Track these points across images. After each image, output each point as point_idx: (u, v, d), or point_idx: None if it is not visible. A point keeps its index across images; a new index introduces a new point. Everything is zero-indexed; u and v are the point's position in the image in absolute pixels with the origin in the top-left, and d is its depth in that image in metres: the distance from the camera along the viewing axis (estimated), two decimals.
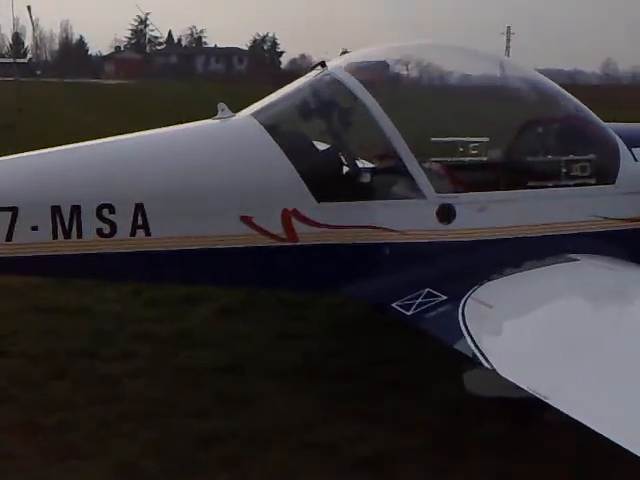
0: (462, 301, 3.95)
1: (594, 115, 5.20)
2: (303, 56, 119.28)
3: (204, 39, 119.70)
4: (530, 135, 5.11)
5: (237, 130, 4.88)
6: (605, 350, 3.39)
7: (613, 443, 2.67)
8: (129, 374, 5.16)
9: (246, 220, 4.48)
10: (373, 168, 4.94)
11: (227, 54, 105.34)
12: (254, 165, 4.61)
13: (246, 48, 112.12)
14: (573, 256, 4.48)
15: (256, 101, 5.21)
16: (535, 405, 3.47)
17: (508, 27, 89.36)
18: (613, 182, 4.97)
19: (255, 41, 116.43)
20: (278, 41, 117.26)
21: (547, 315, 3.94)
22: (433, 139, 5.07)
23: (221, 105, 4.94)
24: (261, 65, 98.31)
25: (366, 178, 4.75)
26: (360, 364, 5.35)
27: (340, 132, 5.05)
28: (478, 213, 4.65)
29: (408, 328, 4.27)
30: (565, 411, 2.88)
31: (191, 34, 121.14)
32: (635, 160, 5.08)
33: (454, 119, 5.59)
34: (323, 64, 5.09)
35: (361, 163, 5.00)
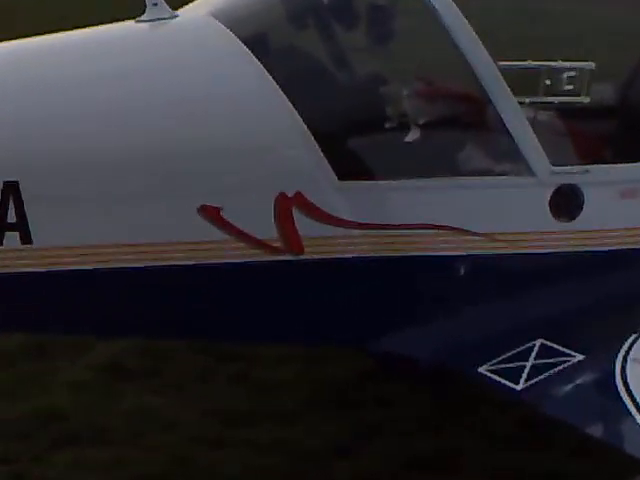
0: (618, 366, 2.51)
1: None
2: None
3: None
4: None
5: (191, 44, 2.81)
6: None
7: None
8: None
9: (209, 213, 2.54)
10: (439, 120, 3.02)
11: None
12: (224, 111, 2.62)
13: None
14: None
15: None
16: None
17: None
18: None
19: None
20: None
21: None
22: (502, 63, 3.01)
23: None
24: None
25: (426, 138, 2.88)
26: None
27: (378, 54, 3.10)
28: (622, 200, 2.93)
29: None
30: None
31: None
32: None
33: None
34: None
35: (416, 111, 3.01)
